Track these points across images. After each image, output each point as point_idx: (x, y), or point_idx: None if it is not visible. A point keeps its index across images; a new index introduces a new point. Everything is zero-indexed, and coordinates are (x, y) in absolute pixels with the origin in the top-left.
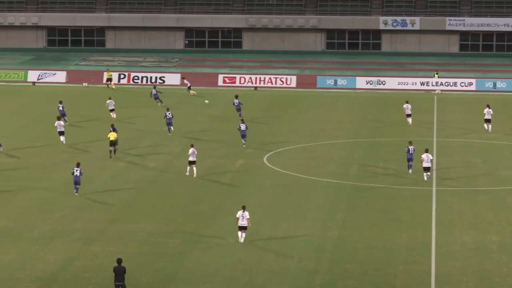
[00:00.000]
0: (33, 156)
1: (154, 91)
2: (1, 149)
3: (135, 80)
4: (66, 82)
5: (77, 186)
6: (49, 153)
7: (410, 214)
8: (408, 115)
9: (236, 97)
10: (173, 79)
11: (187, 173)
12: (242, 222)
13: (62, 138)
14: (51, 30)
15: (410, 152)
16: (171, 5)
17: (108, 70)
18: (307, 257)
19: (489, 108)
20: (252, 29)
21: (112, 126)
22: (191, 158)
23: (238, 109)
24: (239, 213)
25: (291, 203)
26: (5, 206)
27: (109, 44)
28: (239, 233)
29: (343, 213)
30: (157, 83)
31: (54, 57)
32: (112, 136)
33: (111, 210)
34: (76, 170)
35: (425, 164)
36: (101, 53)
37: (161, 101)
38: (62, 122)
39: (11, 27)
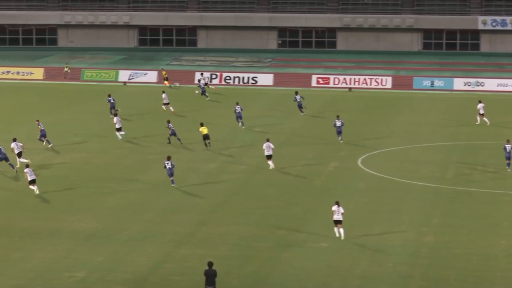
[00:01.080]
0: (124, 157)
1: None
2: (50, 146)
3: (227, 80)
4: (157, 82)
5: (171, 178)
6: (141, 154)
7: (510, 219)
8: (481, 115)
9: (296, 93)
10: (265, 79)
11: (270, 168)
12: (338, 216)
13: (119, 134)
14: (142, 29)
15: (507, 150)
16: (264, 4)
17: (163, 69)
18: (402, 263)
19: None
20: (346, 29)
21: (168, 121)
22: (266, 152)
23: (300, 106)
24: (334, 207)
25: (385, 206)
26: (96, 207)
27: (200, 44)
28: (335, 229)
29: (439, 217)
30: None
31: (145, 57)
32: (205, 130)
33: (201, 212)
34: (168, 163)
35: None
36: (193, 53)
37: (206, 96)
38: (119, 118)
39: (103, 26)
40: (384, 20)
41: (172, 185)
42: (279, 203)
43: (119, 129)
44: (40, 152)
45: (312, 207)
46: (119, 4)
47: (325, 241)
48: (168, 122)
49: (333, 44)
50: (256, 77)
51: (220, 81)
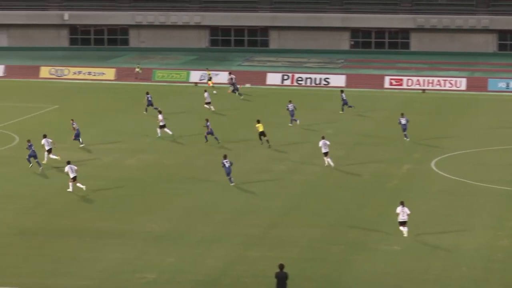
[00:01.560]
0: (195, 158)
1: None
2: (82, 145)
3: (299, 82)
4: (228, 83)
5: (229, 177)
6: (212, 155)
7: None
8: None
9: (342, 91)
10: (338, 80)
11: (325, 165)
12: (403, 217)
13: (159, 131)
14: (214, 29)
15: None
16: (336, 5)
17: (208, 69)
18: (476, 267)
19: None
20: (420, 30)
21: (207, 120)
22: (323, 150)
23: (345, 103)
24: (399, 208)
25: (459, 210)
26: (167, 208)
27: (272, 44)
28: (401, 228)
29: None
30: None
31: (217, 57)
32: (260, 127)
33: (272, 214)
34: (226, 162)
35: None
36: (265, 54)
37: (239, 94)
38: (162, 117)
39: (174, 26)
40: (458, 20)
41: (231, 184)
42: (351, 205)
43: (162, 127)
44: (110, 153)
45: (385, 210)
46: (190, 4)
47: (398, 244)
48: (207, 121)
49: (406, 45)
50: (328, 78)
51: (292, 82)
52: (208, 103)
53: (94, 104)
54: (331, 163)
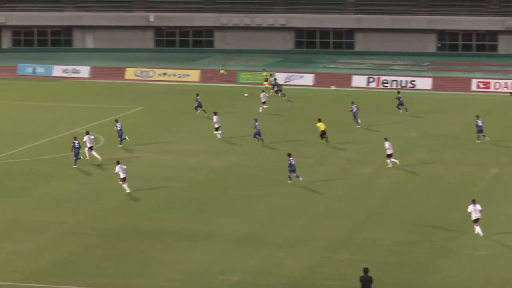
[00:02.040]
0: (278, 160)
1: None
2: (121, 145)
3: (385, 84)
4: (313, 85)
5: (291, 174)
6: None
7: None
8: None
9: (399, 92)
10: (424, 83)
11: (388, 166)
12: (475, 215)
13: (217, 133)
14: (299, 31)
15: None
16: (422, 7)
17: (264, 70)
18: None
19: None
20: (508, 32)
21: (255, 120)
22: (388, 152)
23: (401, 104)
24: (471, 207)
25: None
26: (250, 210)
27: (358, 47)
28: (474, 226)
29: None
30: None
31: (302, 59)
32: (322, 126)
33: (356, 217)
34: (291, 160)
35: None
36: (350, 56)
37: (284, 94)
38: (216, 119)
39: (259, 28)
40: None
41: (289, 181)
42: (436, 208)
43: (217, 129)
44: (196, 154)
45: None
46: (275, 6)
47: (485, 248)
48: (255, 121)
49: (494, 48)
50: (414, 81)
51: (378, 84)
52: (263, 103)
53: (179, 105)
54: (396, 161)
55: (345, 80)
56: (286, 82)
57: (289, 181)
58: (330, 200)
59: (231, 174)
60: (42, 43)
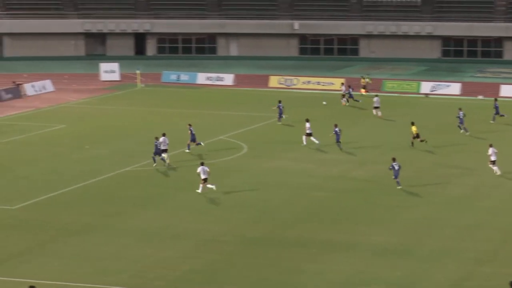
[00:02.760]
0: (425, 170)
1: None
2: (203, 144)
3: None
4: (460, 95)
5: (396, 180)
6: (442, 167)
7: None
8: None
9: (496, 100)
10: None
11: (495, 173)
12: (494, 158)
13: (314, 139)
14: (446, 40)
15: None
16: None
17: (363, 77)
18: None
19: None
20: None
21: (335, 125)
22: (492, 158)
23: (497, 112)
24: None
25: None
26: (394, 221)
27: (507, 55)
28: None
29: None
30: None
31: (449, 68)
32: (415, 129)
33: (504, 229)
34: (395, 165)
35: None
36: (499, 65)
37: (356, 100)
38: (309, 125)
39: (405, 36)
40: None
41: (398, 187)
42: None
43: (309, 135)
44: (340, 163)
45: None
46: (422, 14)
47: None
48: (335, 126)
49: None
50: None
51: None
52: (376, 108)
53: (328, 112)
54: (498, 172)
55: (493, 90)
56: (432, 91)
57: (398, 187)
58: (478, 212)
59: (374, 184)
60: (187, 50)
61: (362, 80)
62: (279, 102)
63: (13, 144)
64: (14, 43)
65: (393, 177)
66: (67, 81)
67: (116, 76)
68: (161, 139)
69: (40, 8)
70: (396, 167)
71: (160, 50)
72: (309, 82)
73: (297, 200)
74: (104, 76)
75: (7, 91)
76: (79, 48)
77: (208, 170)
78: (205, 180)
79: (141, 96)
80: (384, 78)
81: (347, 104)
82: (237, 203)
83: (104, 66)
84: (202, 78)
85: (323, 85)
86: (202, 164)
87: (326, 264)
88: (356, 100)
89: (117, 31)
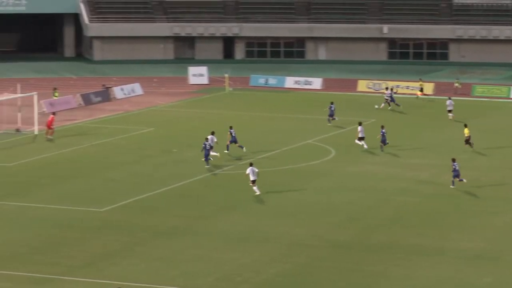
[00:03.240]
0: None
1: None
2: (244, 150)
3: None
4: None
5: (454, 180)
6: None
7: None
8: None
9: None
10: None
11: None
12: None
13: (361, 143)
14: None
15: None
16: None
17: (420, 80)
18: None
19: None
20: None
21: (382, 127)
22: None
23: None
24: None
25: None
26: (484, 227)
27: None
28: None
29: None
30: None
31: None
32: (467, 132)
33: None
34: (455, 165)
35: None
36: None
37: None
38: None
39: (496, 41)
40: None
41: (451, 186)
42: None
43: (361, 139)
44: (429, 168)
45: None
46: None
47: None
48: (382, 127)
49: None
50: None
51: None
52: (449, 111)
53: (412, 117)
54: None
55: None
56: None
57: (451, 186)
58: None
59: (463, 189)
60: (275, 54)
61: (456, 84)
62: (331, 103)
63: (102, 147)
64: (104, 46)
65: (453, 177)
66: (156, 84)
67: (204, 80)
68: (210, 137)
69: (130, 12)
70: (457, 167)
71: (249, 53)
72: (397, 86)
73: (384, 204)
74: (193, 80)
75: (96, 94)
76: (168, 51)
77: (257, 171)
78: (253, 182)
79: (229, 99)
80: (474, 83)
81: (389, 108)
82: (324, 207)
83: (192, 70)
84: (290, 82)
85: (412, 90)
86: (251, 164)
87: (413, 269)
88: (397, 104)
89: (206, 34)
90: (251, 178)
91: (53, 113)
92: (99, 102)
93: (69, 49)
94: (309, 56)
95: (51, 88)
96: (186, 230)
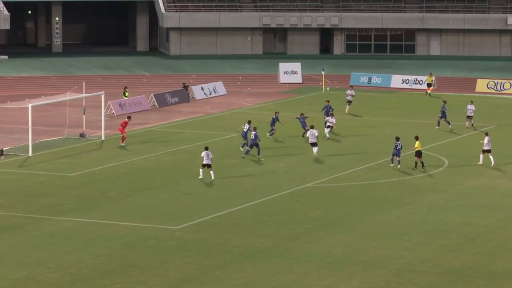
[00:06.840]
0: None
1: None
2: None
3: None
4: None
5: (393, 158)
6: None
7: None
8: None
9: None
10: None
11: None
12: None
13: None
14: None
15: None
16: None
17: (430, 75)
18: None
19: None
20: None
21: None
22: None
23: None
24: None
25: None
26: None
27: None
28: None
29: None
30: None
31: None
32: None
33: None
34: (398, 143)
35: None
36: None
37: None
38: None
39: None
40: None
41: (391, 165)
42: None
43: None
44: None
45: None
46: None
47: None
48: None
49: None
50: None
51: None
52: (469, 117)
53: None
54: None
55: None
56: None
57: (391, 165)
58: None
59: None
60: (380, 48)
61: None
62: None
63: (179, 155)
64: (182, 39)
65: (392, 155)
66: (241, 83)
67: (297, 78)
68: (246, 126)
69: None
70: (399, 147)
71: (349, 48)
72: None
73: (507, 224)
74: (284, 78)
75: (172, 94)
76: (255, 45)
77: (211, 157)
78: (204, 166)
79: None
80: None
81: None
82: (436, 227)
83: (284, 66)
84: (397, 81)
85: None
86: (206, 148)
87: None
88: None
89: (300, 26)
90: (205, 161)
91: (128, 117)
92: (176, 103)
93: (142, 43)
94: (420, 51)
95: (121, 87)
96: (273, 252)
